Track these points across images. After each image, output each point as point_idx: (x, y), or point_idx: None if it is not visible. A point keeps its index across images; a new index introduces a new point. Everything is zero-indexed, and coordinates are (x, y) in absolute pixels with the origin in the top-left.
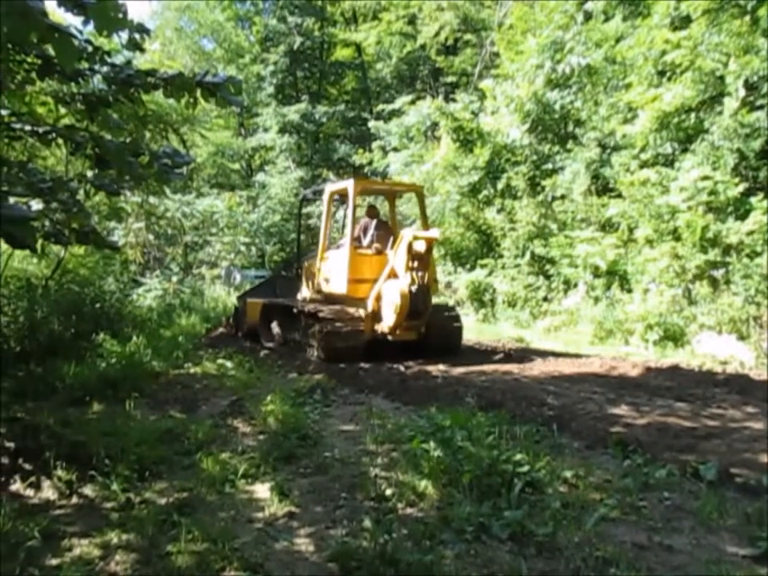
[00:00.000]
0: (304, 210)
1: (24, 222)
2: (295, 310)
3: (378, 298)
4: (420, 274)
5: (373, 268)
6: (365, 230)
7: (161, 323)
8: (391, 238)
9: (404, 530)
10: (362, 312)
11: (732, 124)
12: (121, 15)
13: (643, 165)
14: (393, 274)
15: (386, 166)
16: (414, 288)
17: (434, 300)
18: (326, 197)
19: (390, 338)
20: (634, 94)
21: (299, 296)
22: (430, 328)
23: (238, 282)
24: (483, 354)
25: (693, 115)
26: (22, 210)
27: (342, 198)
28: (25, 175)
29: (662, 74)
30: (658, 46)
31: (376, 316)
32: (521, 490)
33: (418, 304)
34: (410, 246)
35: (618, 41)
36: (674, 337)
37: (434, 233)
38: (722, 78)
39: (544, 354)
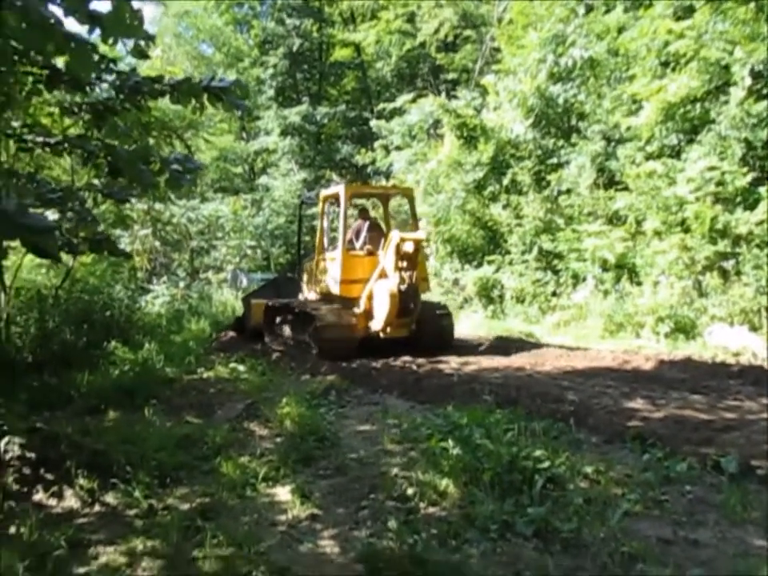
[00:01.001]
0: (307, 212)
1: (48, 231)
2: (296, 310)
3: (370, 297)
4: (408, 273)
5: (365, 269)
6: (357, 233)
7: (171, 329)
8: (383, 240)
9: (429, 529)
10: (355, 311)
11: (739, 113)
12: (137, 23)
13: (649, 157)
14: (383, 274)
15: (389, 165)
16: (403, 287)
17: (429, 298)
18: (320, 201)
19: (382, 335)
20: (638, 86)
21: (300, 296)
22: (421, 325)
23: (245, 285)
24: (473, 348)
25: (698, 105)
26: (46, 220)
27: (336, 201)
28: (34, 186)
29: (665, 64)
30: (662, 36)
31: (368, 314)
32: (542, 486)
33: (407, 302)
34: (398, 246)
35: (620, 32)
36: (685, 329)
37: (421, 234)
38: (727, 66)
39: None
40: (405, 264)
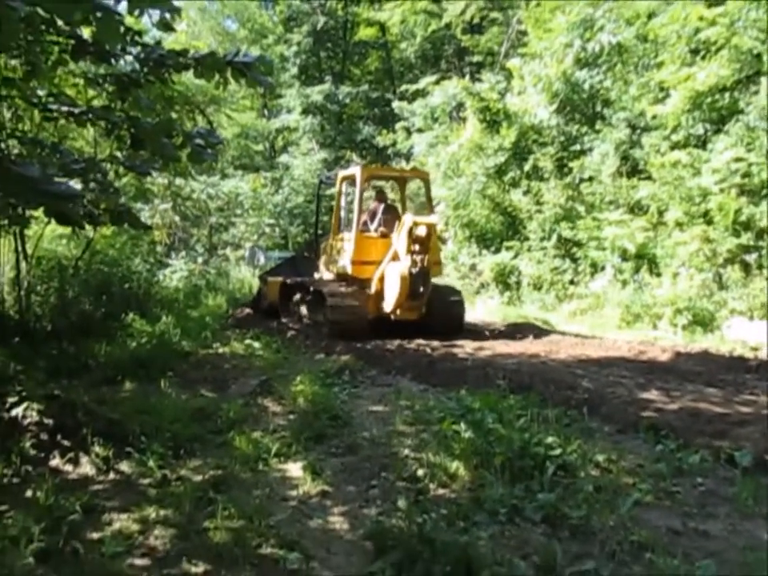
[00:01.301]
0: (327, 192)
1: (73, 199)
2: (310, 289)
3: (382, 279)
4: (420, 257)
5: (378, 250)
6: (373, 214)
7: (188, 304)
8: (397, 222)
9: (438, 510)
10: (367, 292)
11: None
12: None
13: (674, 146)
14: (395, 257)
15: (410, 148)
16: (414, 270)
17: (446, 282)
18: (337, 182)
19: (392, 317)
20: (666, 73)
21: (316, 275)
22: (432, 309)
23: (262, 262)
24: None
25: (727, 95)
26: (71, 187)
27: (353, 182)
28: (57, 156)
29: (695, 52)
30: (693, 23)
31: (379, 296)
32: (553, 473)
33: (417, 286)
34: (410, 230)
35: (650, 18)
36: (703, 322)
37: (434, 218)
38: (759, 56)
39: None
40: (417, 247)
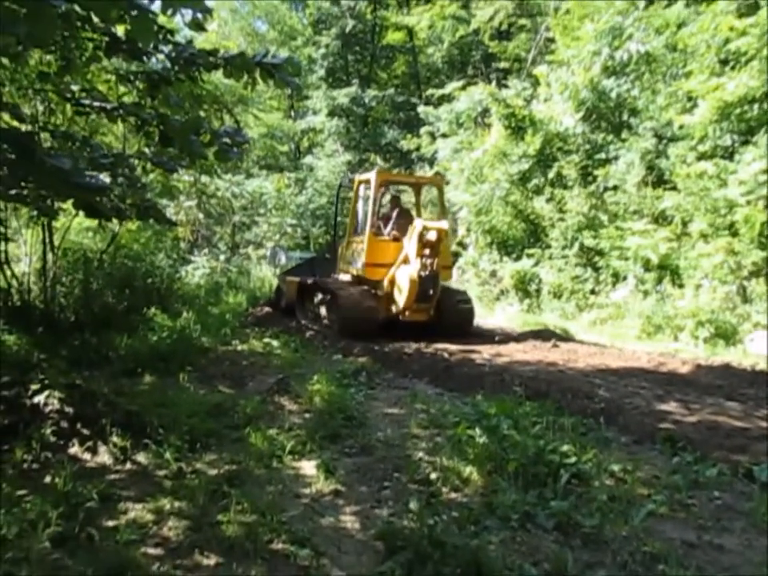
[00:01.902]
0: (349, 195)
1: (102, 191)
2: (324, 289)
3: (392, 281)
4: (430, 261)
5: (390, 253)
6: (388, 218)
7: (209, 300)
8: (410, 227)
9: (449, 513)
10: (378, 293)
11: None
12: None
13: (701, 156)
14: (406, 260)
15: (434, 152)
16: (423, 273)
17: (453, 286)
18: (354, 185)
19: (401, 318)
20: (694, 83)
21: (333, 276)
22: (442, 311)
23: (283, 262)
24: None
25: (756, 106)
26: (101, 180)
27: (369, 186)
28: (88, 150)
29: (725, 62)
30: (723, 33)
31: (390, 297)
32: (567, 481)
33: (426, 288)
34: (421, 235)
35: (679, 27)
36: (725, 335)
37: (443, 224)
38: None
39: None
40: (427, 252)
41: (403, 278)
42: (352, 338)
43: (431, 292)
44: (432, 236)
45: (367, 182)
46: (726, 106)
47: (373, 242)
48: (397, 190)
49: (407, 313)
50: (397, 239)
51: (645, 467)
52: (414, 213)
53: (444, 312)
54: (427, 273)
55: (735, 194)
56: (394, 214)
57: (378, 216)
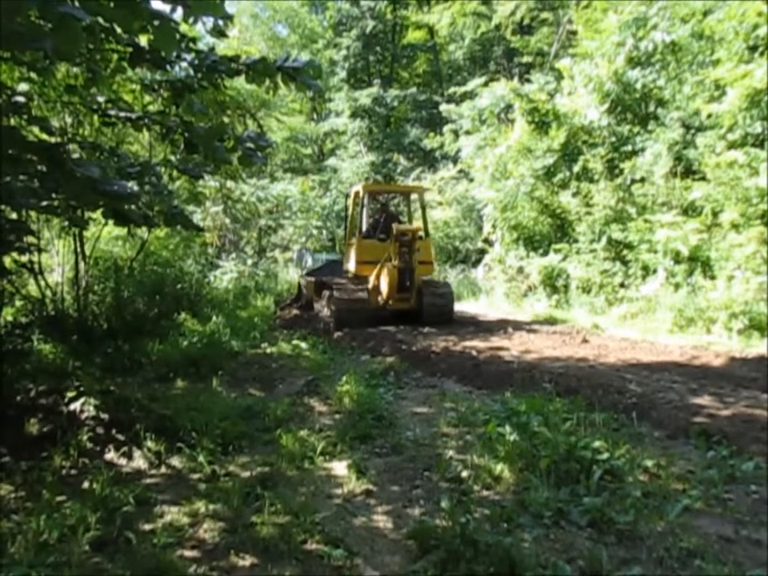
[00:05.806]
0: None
1: (131, 199)
2: (327, 285)
3: (378, 276)
4: (407, 257)
5: (377, 253)
6: (377, 223)
7: (237, 304)
8: None
9: (481, 511)
10: (367, 287)
11: None
12: (218, 1)
13: (731, 145)
14: (388, 258)
15: (458, 150)
16: (401, 267)
17: (440, 279)
18: (351, 196)
19: (387, 307)
20: (722, 71)
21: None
22: (423, 300)
23: (310, 264)
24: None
25: None
26: (130, 188)
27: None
28: (115, 160)
29: (753, 48)
30: (751, 19)
31: (377, 290)
32: (600, 477)
33: (404, 280)
34: (397, 236)
35: (705, 15)
36: (760, 326)
37: (415, 226)
38: None
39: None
40: (404, 250)
41: (385, 272)
42: (346, 327)
43: (408, 283)
44: (406, 237)
45: (357, 193)
46: (755, 93)
47: (362, 244)
48: (386, 198)
49: (390, 302)
50: (383, 240)
51: (679, 462)
52: (403, 218)
53: (425, 301)
54: (404, 267)
55: (766, 183)
56: (382, 219)
57: (371, 221)
